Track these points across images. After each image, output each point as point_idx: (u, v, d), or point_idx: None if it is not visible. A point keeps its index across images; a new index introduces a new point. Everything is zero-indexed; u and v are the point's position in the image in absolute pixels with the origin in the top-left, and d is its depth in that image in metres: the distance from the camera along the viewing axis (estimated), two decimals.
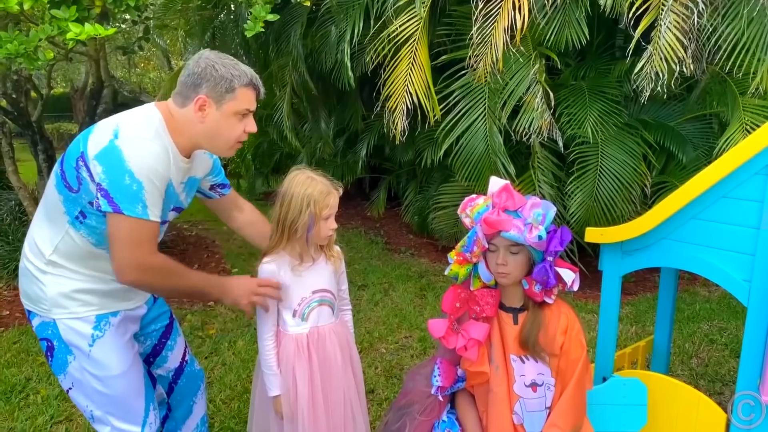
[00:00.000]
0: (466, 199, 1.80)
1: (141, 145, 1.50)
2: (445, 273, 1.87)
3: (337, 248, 2.01)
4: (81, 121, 5.32)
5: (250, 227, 2.09)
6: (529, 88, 4.16)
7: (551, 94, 4.15)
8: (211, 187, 1.98)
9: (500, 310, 1.84)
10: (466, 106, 4.46)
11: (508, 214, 1.70)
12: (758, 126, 3.83)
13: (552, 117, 4.14)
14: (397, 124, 4.07)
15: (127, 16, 3.48)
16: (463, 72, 4.48)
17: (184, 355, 2.05)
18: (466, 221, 1.76)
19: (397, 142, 4.24)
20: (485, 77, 4.02)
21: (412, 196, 6.37)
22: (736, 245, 1.97)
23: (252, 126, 1.69)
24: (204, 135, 1.64)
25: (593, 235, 2.22)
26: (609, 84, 4.70)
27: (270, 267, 1.88)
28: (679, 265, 2.12)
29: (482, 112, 4.44)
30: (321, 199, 1.82)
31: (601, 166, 4.43)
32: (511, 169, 4.45)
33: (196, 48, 7.96)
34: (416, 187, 6.34)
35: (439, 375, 1.86)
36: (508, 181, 1.77)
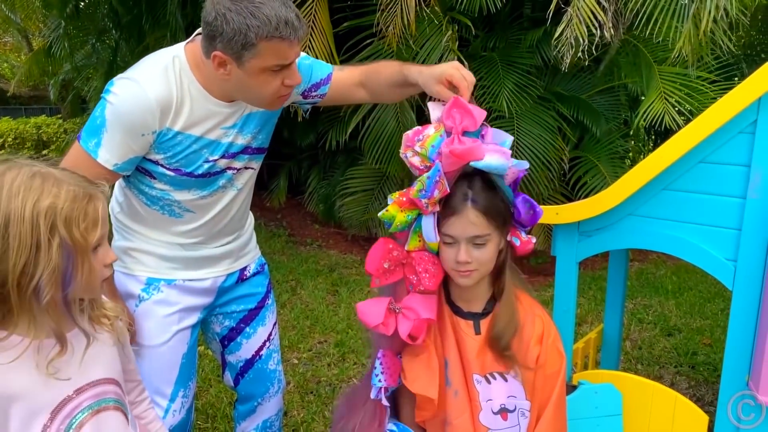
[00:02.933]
0: (410, 132, 1.31)
1: (124, 86, 1.35)
2: (378, 215, 1.36)
3: (112, 304, 1.18)
4: None
5: (377, 88, 1.60)
6: (441, 57, 3.79)
7: (466, 63, 3.80)
8: (305, 95, 1.60)
9: (456, 315, 1.40)
10: None
11: (470, 137, 1.25)
12: (676, 94, 3.70)
13: None
14: None
15: None
16: (368, 41, 4.03)
17: (261, 348, 1.77)
18: (415, 161, 1.25)
19: (299, 119, 3.72)
20: (396, 44, 3.59)
21: (315, 182, 5.89)
22: (717, 219, 1.68)
23: (292, 78, 1.37)
24: (235, 92, 1.41)
25: (547, 215, 1.86)
26: (521, 55, 4.45)
27: None
28: (648, 245, 1.81)
29: None
30: (75, 212, 0.98)
31: (517, 142, 4.16)
32: None
33: (57, 24, 6.94)
34: (320, 173, 5.86)
35: (381, 372, 1.40)
36: (454, 95, 1.31)
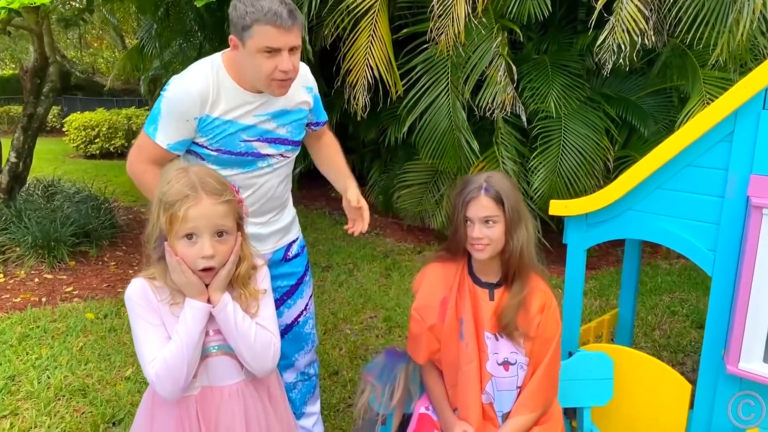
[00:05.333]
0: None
1: (174, 84, 1.71)
2: None
3: (258, 282, 1.45)
4: (26, 101, 5.05)
5: (325, 161, 2.15)
6: (491, 61, 4.09)
7: (514, 67, 4.09)
8: (307, 124, 2.02)
9: (475, 284, 1.77)
10: (428, 81, 4.37)
11: None
12: (717, 98, 3.83)
13: (515, 91, 4.08)
14: (358, 100, 3.96)
15: None
16: (424, 46, 4.38)
17: (299, 316, 2.12)
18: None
19: (359, 118, 4.13)
20: (447, 51, 3.93)
21: (376, 175, 6.28)
22: (700, 215, 1.94)
23: (284, 64, 1.65)
24: (247, 74, 1.72)
25: (557, 207, 2.18)
26: (571, 57, 4.66)
27: (135, 289, 1.35)
28: (644, 236, 2.09)
29: (445, 86, 4.35)
30: (175, 204, 1.27)
31: (564, 141, 4.41)
32: (475, 145, 4.39)
33: (149, 25, 7.66)
34: (381, 166, 6.25)
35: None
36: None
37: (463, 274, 1.79)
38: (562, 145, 4.39)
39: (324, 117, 2.10)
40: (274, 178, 1.91)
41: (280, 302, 2.08)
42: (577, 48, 4.70)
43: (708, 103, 3.81)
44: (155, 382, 1.29)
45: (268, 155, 1.86)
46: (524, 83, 4.47)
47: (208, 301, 1.34)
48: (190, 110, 1.71)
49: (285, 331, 2.13)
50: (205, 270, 1.31)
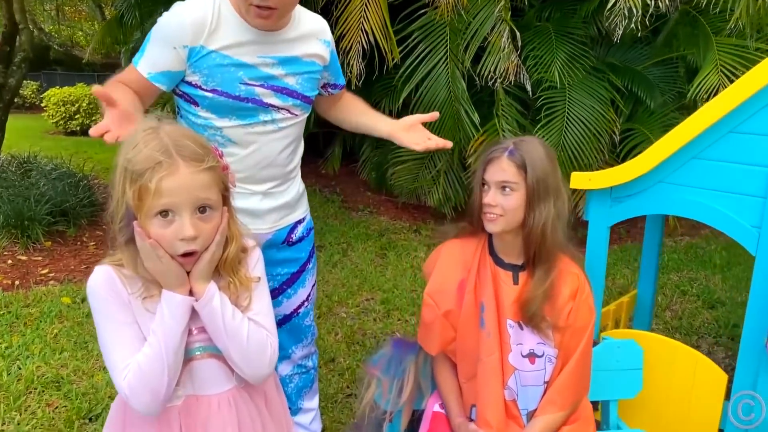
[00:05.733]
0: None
1: (171, 8, 1.54)
2: None
3: (250, 267, 1.22)
4: None
5: (354, 113, 1.92)
6: (494, 27, 3.85)
7: (518, 33, 3.85)
8: (324, 85, 1.81)
9: (497, 266, 1.56)
10: (426, 48, 4.12)
11: None
12: (735, 66, 3.63)
13: (519, 59, 3.84)
14: (352, 67, 3.70)
15: None
16: (422, 11, 4.11)
17: (299, 307, 1.91)
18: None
19: (353, 86, 3.87)
20: (447, 15, 3.67)
21: (369, 151, 6.04)
22: (744, 187, 1.75)
23: None
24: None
25: (580, 180, 1.97)
26: (575, 25, 4.43)
27: (99, 280, 1.09)
28: (677, 211, 1.89)
29: (444, 54, 4.11)
30: (144, 173, 1.01)
31: (568, 113, 4.19)
32: (476, 117, 4.17)
33: None
34: (373, 142, 6.00)
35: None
36: None
37: (483, 254, 1.58)
38: (567, 117, 4.17)
39: (342, 80, 1.87)
40: (278, 139, 1.66)
41: (278, 291, 1.86)
42: (581, 15, 4.46)
43: (724, 73, 3.60)
44: (129, 396, 1.04)
45: (273, 106, 1.62)
46: (527, 51, 4.23)
47: (190, 292, 1.10)
48: (181, 36, 1.50)
49: (282, 321, 1.91)
50: (185, 255, 1.07)
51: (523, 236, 1.50)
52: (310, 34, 1.65)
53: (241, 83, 1.56)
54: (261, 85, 1.58)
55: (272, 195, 1.72)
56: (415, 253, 4.35)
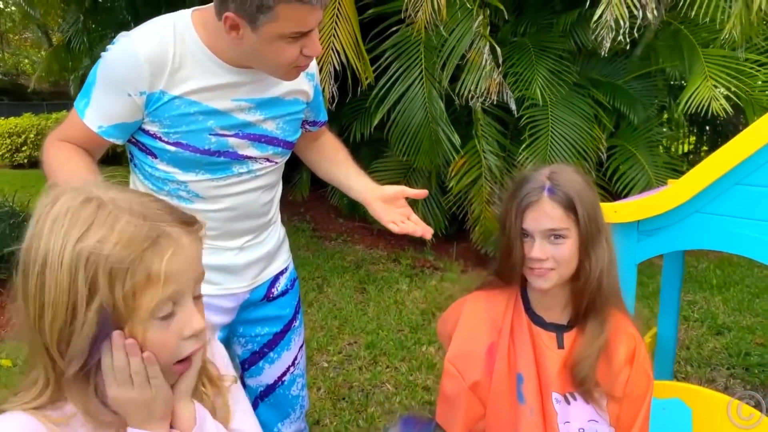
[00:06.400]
0: None
1: (120, 43, 1.23)
2: None
3: (218, 362, 0.94)
4: None
5: (330, 161, 1.62)
6: (472, 43, 3.61)
7: (498, 49, 3.62)
8: (302, 122, 1.50)
9: (536, 326, 1.27)
10: (400, 67, 3.86)
11: None
12: (725, 78, 3.48)
13: (501, 77, 3.61)
14: (324, 90, 3.39)
15: None
16: (394, 28, 3.86)
17: (284, 374, 1.61)
18: None
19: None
20: (422, 32, 3.42)
21: None
22: None
23: (312, 48, 1.22)
24: (248, 58, 1.24)
25: (604, 212, 1.70)
26: (553, 39, 4.25)
27: None
28: (717, 245, 1.65)
29: (419, 74, 3.85)
30: (141, 259, 0.70)
31: (552, 131, 3.98)
32: (456, 139, 3.91)
33: (75, 18, 6.87)
34: None
35: None
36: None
37: (517, 311, 1.29)
38: (551, 136, 3.96)
39: (324, 116, 1.58)
40: (255, 189, 1.38)
41: (258, 356, 1.57)
42: (558, 29, 4.28)
43: (714, 85, 3.44)
44: None
45: (250, 158, 1.33)
46: (506, 68, 4.01)
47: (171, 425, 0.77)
48: (135, 80, 1.20)
49: (264, 393, 1.61)
50: (183, 360, 0.76)
51: (575, 288, 1.22)
52: None
53: (211, 134, 1.26)
54: (235, 135, 1.29)
55: (249, 248, 1.43)
56: (397, 285, 4.04)
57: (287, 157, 1.44)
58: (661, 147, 4.90)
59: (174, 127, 1.23)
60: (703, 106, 3.44)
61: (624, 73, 4.51)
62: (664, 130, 4.69)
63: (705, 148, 6.84)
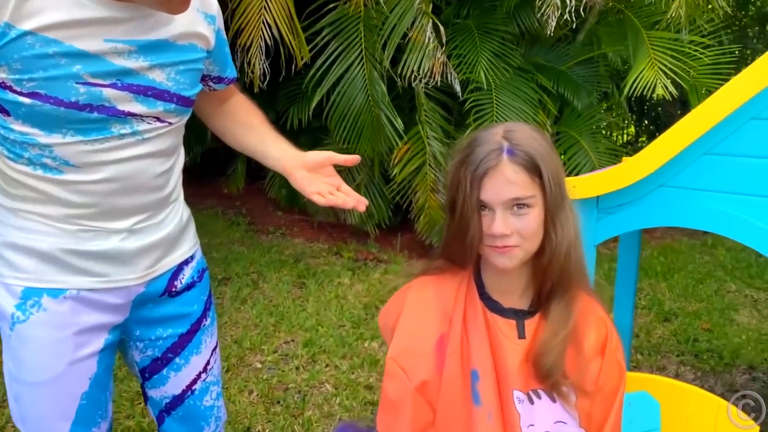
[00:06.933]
0: None
1: None
2: None
3: None
4: None
5: (243, 127, 1.36)
6: (414, 22, 3.42)
7: (442, 28, 3.45)
8: (204, 77, 1.25)
9: (493, 313, 1.08)
10: (339, 47, 3.63)
11: None
12: (669, 61, 3.42)
13: (445, 57, 3.44)
14: (254, 66, 3.13)
15: None
16: (332, 5, 3.63)
17: (194, 382, 1.36)
18: None
19: (255, 90, 3.29)
20: (361, 9, 3.20)
21: None
22: None
23: None
24: None
25: None
26: (497, 22, 4.12)
27: None
28: (683, 222, 1.52)
29: (359, 54, 3.64)
30: None
31: (497, 116, 3.84)
32: (399, 123, 3.72)
33: None
34: None
35: None
36: None
37: (470, 296, 1.10)
38: (496, 121, 3.81)
39: (232, 71, 1.32)
40: (145, 155, 1.11)
41: (162, 363, 1.31)
42: (502, 11, 4.15)
43: (659, 68, 3.37)
44: None
45: (134, 115, 1.06)
46: (449, 50, 3.85)
47: None
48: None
49: (171, 406, 1.36)
50: None
51: (538, 267, 1.04)
52: (190, 7, 1.08)
53: (78, 82, 1.00)
54: (112, 85, 1.02)
55: (142, 231, 1.16)
56: (339, 279, 3.81)
57: (184, 119, 1.18)
58: (603, 134, 4.88)
59: (28, 72, 0.95)
60: (649, 89, 3.37)
61: (567, 58, 4.44)
62: (608, 116, 4.65)
63: (643, 139, 6.94)
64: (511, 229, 0.97)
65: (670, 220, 1.53)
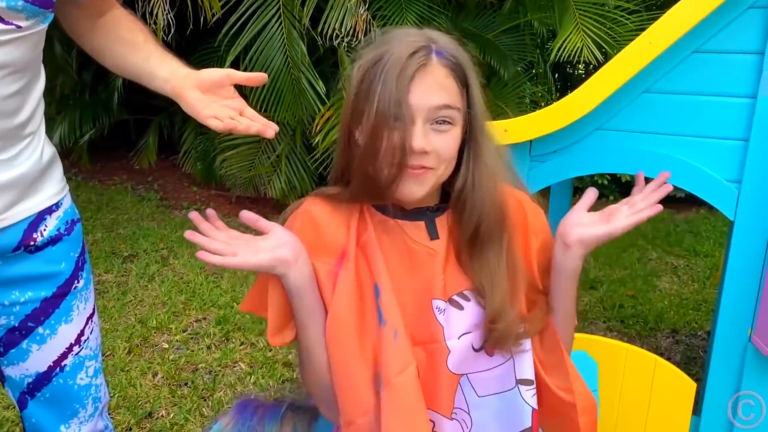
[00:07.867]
0: None
1: None
2: None
3: None
4: None
5: (125, 45, 1.12)
6: None
7: None
8: None
9: (395, 219, 0.91)
10: (254, 2, 3.35)
11: None
12: (594, 27, 3.38)
13: (368, 13, 3.25)
14: (156, 16, 2.81)
15: None
16: None
17: (63, 357, 1.14)
18: None
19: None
20: None
21: (191, 138, 5.09)
22: (717, 127, 1.29)
23: None
24: None
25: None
26: None
27: None
28: (623, 167, 1.43)
29: (276, 11, 3.38)
30: None
31: None
32: (320, 87, 3.50)
33: None
34: (196, 128, 5.06)
35: None
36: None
37: (367, 206, 0.92)
38: None
39: None
40: None
41: (20, 334, 1.09)
42: None
43: (585, 33, 3.32)
44: None
45: None
46: (372, 11, 3.65)
47: None
48: None
49: (34, 386, 1.14)
50: None
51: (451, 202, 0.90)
52: None
53: None
54: None
55: None
56: None
57: (39, 27, 0.94)
58: (528, 105, 4.85)
59: None
60: (575, 54, 3.32)
61: (494, 26, 4.35)
62: (534, 86, 4.61)
63: None
64: (432, 146, 0.81)
65: (607, 167, 1.42)
